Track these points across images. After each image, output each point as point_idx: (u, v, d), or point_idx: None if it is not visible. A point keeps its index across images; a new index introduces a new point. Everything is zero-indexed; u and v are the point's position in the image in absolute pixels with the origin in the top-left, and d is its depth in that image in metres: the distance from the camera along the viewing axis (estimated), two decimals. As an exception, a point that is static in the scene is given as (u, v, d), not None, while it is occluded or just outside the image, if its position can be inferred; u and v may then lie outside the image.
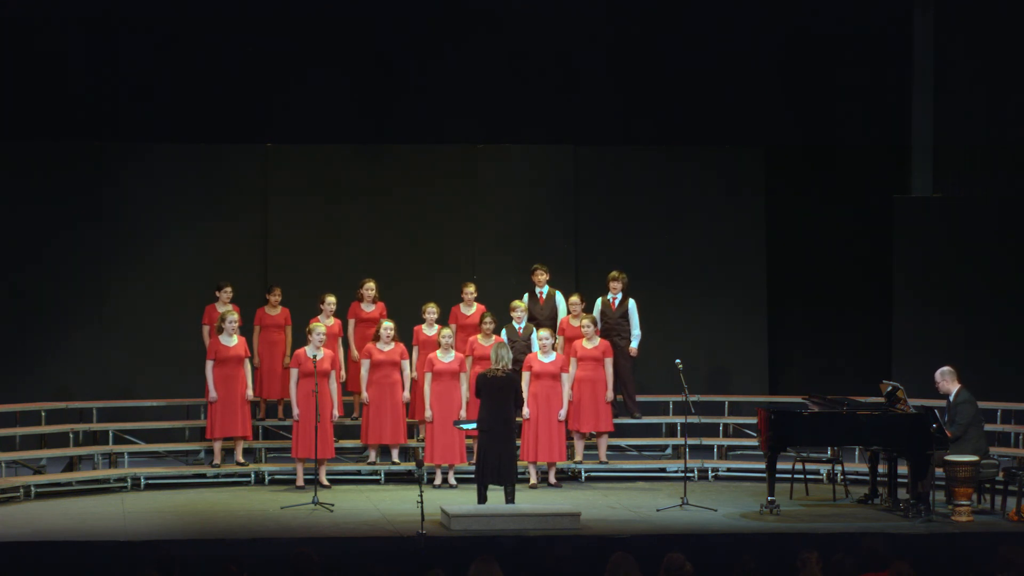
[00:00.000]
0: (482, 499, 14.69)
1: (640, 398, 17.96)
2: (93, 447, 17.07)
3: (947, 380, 15.18)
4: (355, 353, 17.32)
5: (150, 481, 16.48)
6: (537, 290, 17.65)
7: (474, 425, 15.09)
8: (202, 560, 10.87)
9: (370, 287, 17.52)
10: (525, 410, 16.09)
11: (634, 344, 17.61)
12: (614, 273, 17.70)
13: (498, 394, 14.69)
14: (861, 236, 19.60)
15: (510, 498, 14.63)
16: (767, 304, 19.66)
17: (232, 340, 16.60)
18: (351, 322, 17.53)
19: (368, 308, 17.51)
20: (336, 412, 16.22)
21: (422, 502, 13.13)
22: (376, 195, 19.24)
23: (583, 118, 19.48)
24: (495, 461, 14.61)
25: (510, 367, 14.81)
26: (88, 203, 18.67)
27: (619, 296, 17.64)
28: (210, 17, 18.53)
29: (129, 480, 16.43)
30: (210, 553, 12.13)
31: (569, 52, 19.29)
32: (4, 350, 18.35)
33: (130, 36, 18.56)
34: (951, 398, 15.16)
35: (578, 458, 17.00)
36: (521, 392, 15.42)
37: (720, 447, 17.76)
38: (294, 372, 16.11)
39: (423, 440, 16.71)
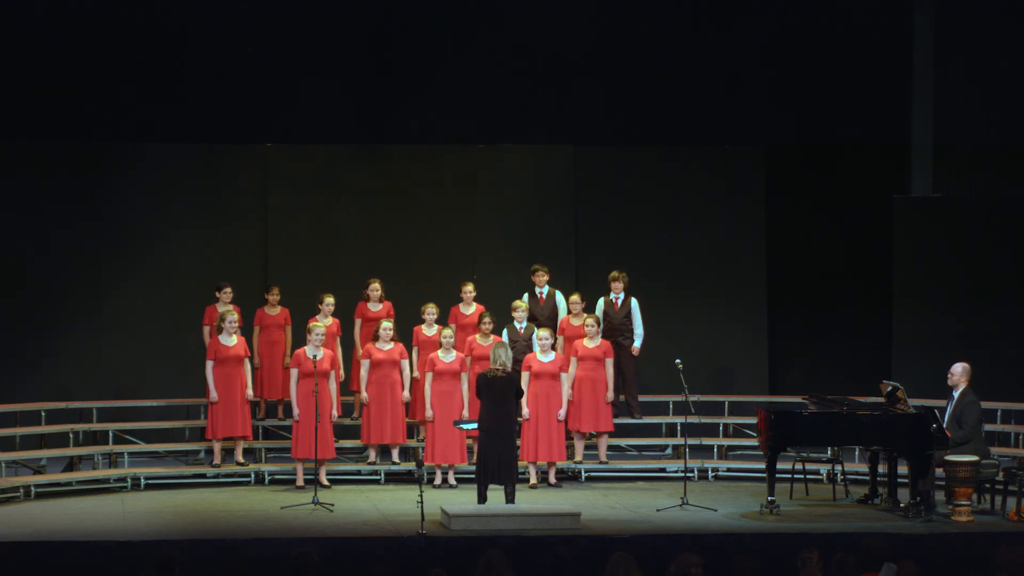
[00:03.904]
0: (482, 499, 14.68)
1: (640, 398, 17.96)
2: (93, 447, 17.06)
3: (964, 378, 15.14)
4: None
5: (150, 481, 16.48)
6: (537, 290, 17.66)
7: (474, 425, 15.09)
8: (202, 560, 10.87)
9: (375, 287, 17.52)
10: (525, 410, 16.08)
11: (637, 343, 17.63)
12: (615, 273, 17.71)
13: (498, 394, 14.68)
14: (861, 236, 19.59)
15: (510, 498, 14.62)
16: (767, 304, 19.66)
17: (232, 340, 16.60)
18: (358, 322, 17.53)
19: (375, 307, 17.50)
20: (335, 412, 16.23)
21: (422, 502, 13.12)
22: (376, 195, 19.23)
23: (583, 118, 19.46)
24: (495, 461, 14.60)
25: (509, 366, 14.79)
26: (88, 203, 18.66)
27: (621, 296, 17.65)
28: (210, 17, 18.52)
29: (129, 480, 16.43)
30: (210, 553, 12.14)
31: (569, 52, 19.25)
32: (4, 350, 18.34)
33: (131, 36, 18.54)
34: (955, 393, 15.12)
35: (578, 458, 17.00)
36: (522, 389, 15.40)
37: (720, 447, 17.76)
38: (294, 372, 16.11)
39: (423, 440, 16.71)
